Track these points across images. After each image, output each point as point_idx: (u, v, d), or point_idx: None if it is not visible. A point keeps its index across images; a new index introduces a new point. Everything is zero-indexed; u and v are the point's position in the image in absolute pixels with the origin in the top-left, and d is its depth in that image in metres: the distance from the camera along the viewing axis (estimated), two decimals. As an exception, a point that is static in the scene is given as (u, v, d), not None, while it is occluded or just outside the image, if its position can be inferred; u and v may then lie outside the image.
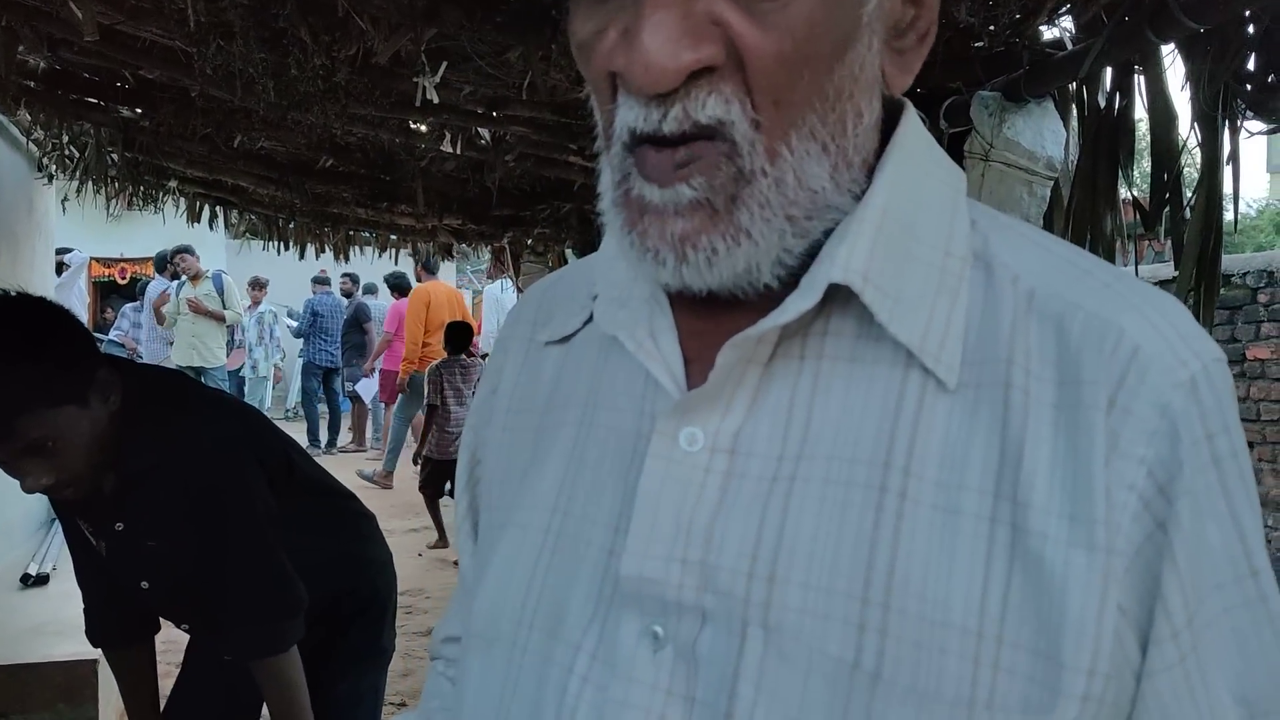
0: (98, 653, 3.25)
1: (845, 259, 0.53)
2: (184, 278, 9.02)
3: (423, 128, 3.90)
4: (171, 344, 9.01)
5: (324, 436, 10.09)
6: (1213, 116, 2.04)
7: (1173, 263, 2.36)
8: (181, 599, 1.68)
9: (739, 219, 0.51)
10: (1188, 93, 2.12)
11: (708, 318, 0.57)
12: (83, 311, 8.80)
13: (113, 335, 9.91)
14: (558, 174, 4.28)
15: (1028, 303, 0.54)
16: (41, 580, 3.99)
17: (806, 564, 0.52)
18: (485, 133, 3.70)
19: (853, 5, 0.52)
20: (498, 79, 2.88)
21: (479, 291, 19.58)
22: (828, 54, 0.51)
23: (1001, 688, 0.49)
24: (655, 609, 0.54)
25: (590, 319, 0.65)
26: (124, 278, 15.44)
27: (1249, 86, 1.96)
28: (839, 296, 0.54)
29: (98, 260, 13.51)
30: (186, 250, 8.70)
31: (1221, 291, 5.27)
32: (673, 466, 0.55)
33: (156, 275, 9.80)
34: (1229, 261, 5.75)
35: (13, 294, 1.49)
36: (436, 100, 2.87)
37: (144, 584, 1.63)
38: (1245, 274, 5.34)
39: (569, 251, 6.46)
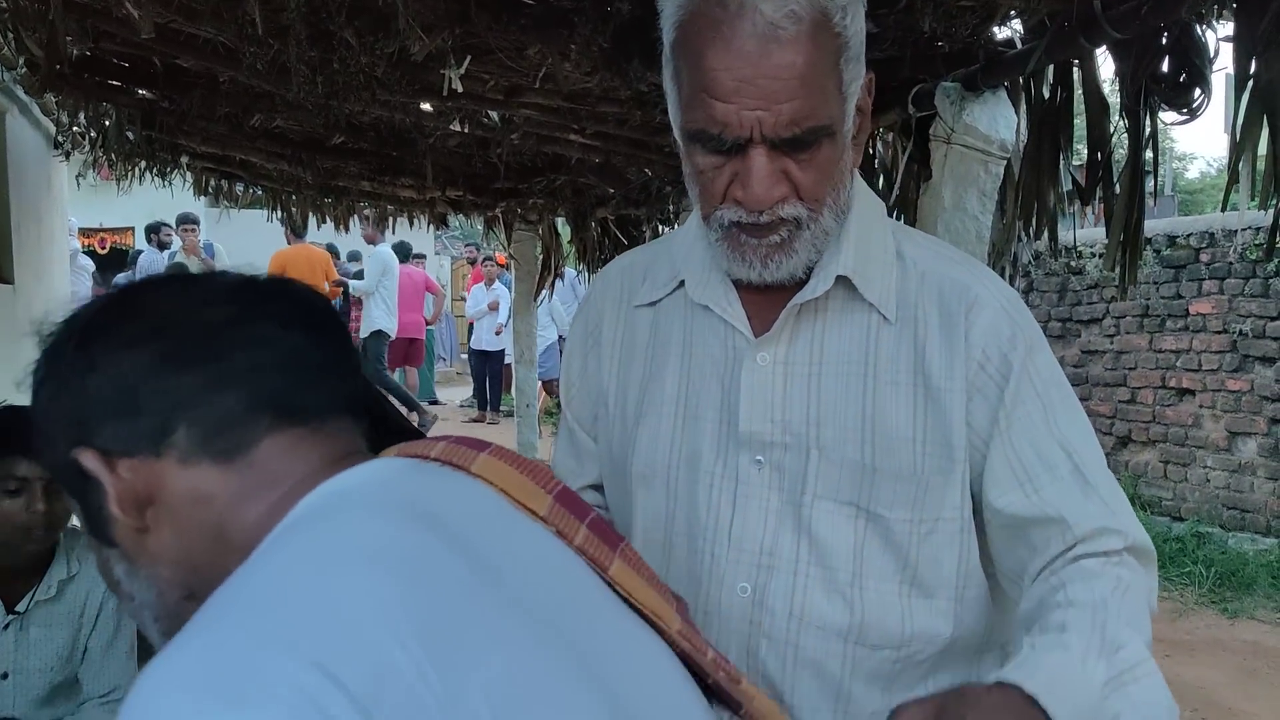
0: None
1: (843, 261, 1.01)
2: (174, 248, 9.23)
3: (427, 107, 4.21)
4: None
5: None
6: (1136, 109, 2.44)
7: (1104, 228, 2.76)
8: None
9: (794, 248, 0.98)
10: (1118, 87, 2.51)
11: (755, 294, 1.04)
12: (89, 282, 8.97)
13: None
14: (557, 150, 4.62)
15: (921, 277, 1.03)
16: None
17: (832, 417, 1.00)
18: (494, 113, 4.03)
19: (842, 139, 0.96)
20: (515, 70, 3.22)
21: (457, 257, 19.80)
22: (834, 169, 0.96)
23: (929, 464, 0.98)
24: (758, 447, 1.02)
25: (673, 291, 1.09)
26: (104, 247, 15.56)
27: (1163, 85, 2.35)
28: (841, 282, 1.01)
29: (79, 231, 13.62)
30: (192, 220, 8.89)
31: (1166, 251, 5.74)
32: (756, 373, 1.02)
33: (147, 245, 9.98)
34: (1175, 224, 6.20)
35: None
36: (461, 89, 3.20)
37: None
38: (1189, 235, 5.76)
39: (560, 221, 6.80)
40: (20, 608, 1.76)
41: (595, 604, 0.69)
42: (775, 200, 0.93)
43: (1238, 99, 2.12)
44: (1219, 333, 5.67)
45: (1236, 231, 5.60)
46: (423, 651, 0.51)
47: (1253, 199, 2.28)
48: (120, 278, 10.90)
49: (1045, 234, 2.88)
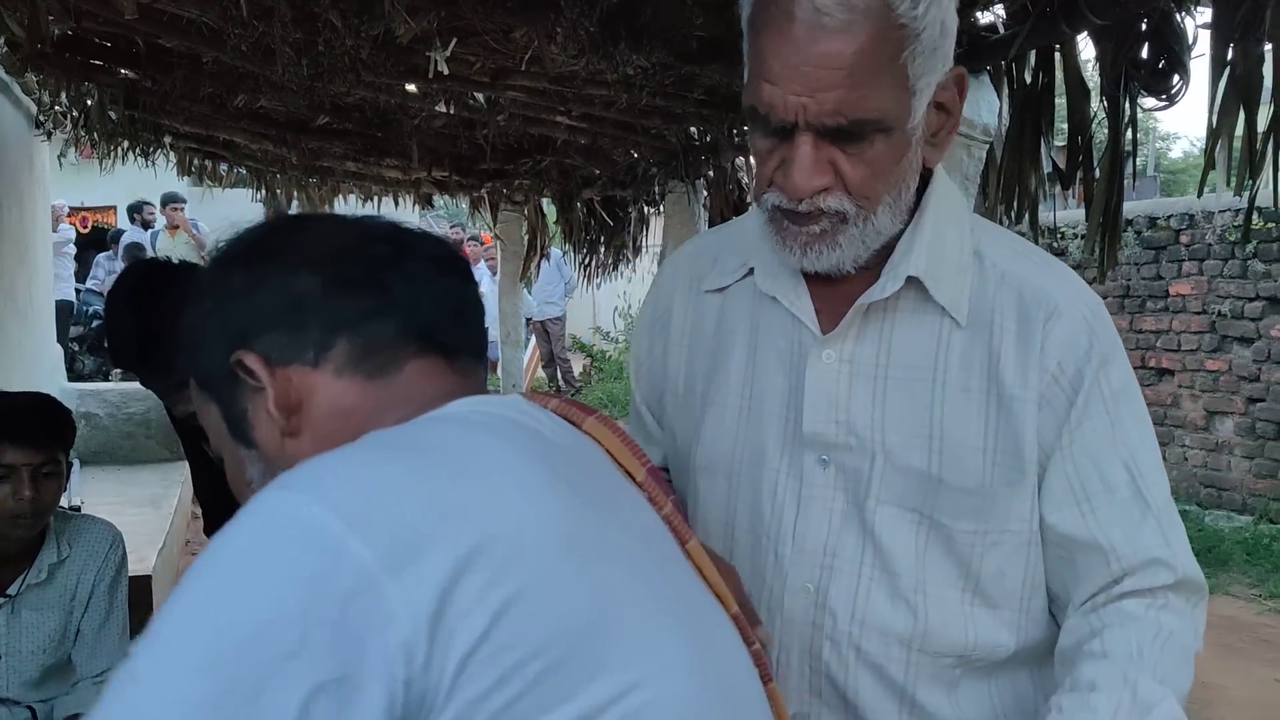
0: (152, 569, 3.64)
1: (915, 261, 0.97)
2: (158, 227, 9.18)
3: (413, 88, 4.20)
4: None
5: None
6: (1116, 95, 2.47)
7: (1084, 210, 2.80)
8: None
9: (838, 240, 0.94)
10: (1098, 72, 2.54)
11: (825, 287, 1.01)
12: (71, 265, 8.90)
13: (90, 285, 10.06)
14: (543, 131, 4.62)
15: (1000, 279, 0.99)
16: (76, 510, 4.34)
17: (897, 423, 0.97)
18: (480, 95, 4.03)
19: (906, 136, 0.92)
20: (501, 52, 3.22)
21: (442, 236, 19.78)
22: (892, 168, 0.93)
23: (998, 476, 0.95)
24: (822, 447, 0.99)
25: (741, 278, 1.07)
26: (85, 226, 15.42)
27: (1143, 71, 2.38)
28: (912, 283, 0.98)
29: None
30: (178, 199, 8.84)
31: (1147, 233, 5.79)
32: (822, 371, 1.00)
33: (129, 224, 9.92)
34: (1155, 205, 6.25)
35: None
36: (447, 72, 3.20)
37: None
38: (1169, 217, 5.82)
39: (545, 201, 6.80)
40: (11, 591, 1.78)
41: (683, 564, 0.76)
42: (815, 190, 0.91)
43: (1214, 85, 2.15)
44: (1198, 313, 5.74)
45: (1215, 214, 5.66)
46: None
47: (1229, 183, 2.32)
48: (101, 257, 10.85)
49: (1026, 216, 2.91)
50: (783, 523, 1.00)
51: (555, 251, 8.72)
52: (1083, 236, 6.28)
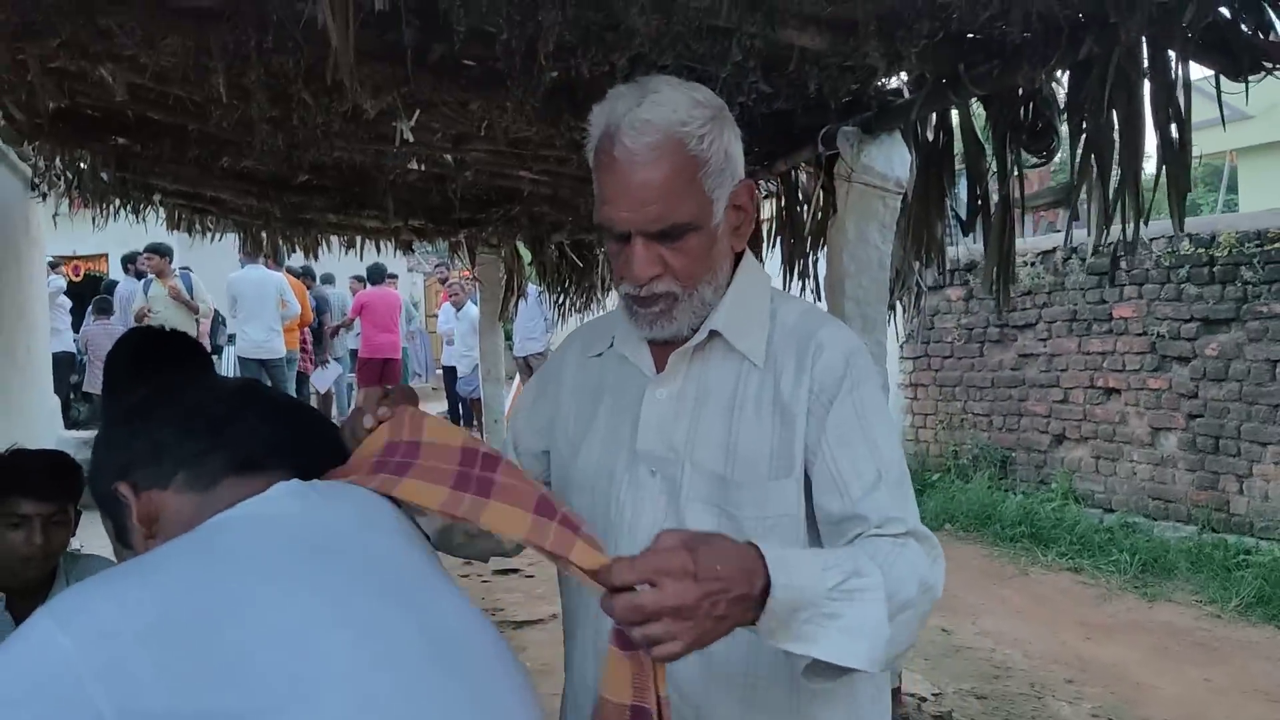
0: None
1: (717, 319, 1.29)
2: (150, 276, 9.45)
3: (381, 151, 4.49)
4: (143, 340, 9.42)
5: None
6: (1002, 152, 2.77)
7: (1063, 235, 3.09)
8: None
9: (674, 315, 1.26)
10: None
11: (662, 349, 1.33)
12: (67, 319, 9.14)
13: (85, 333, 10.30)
14: (509, 184, 4.91)
15: (788, 331, 1.31)
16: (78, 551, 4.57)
17: (704, 439, 1.29)
18: (448, 155, 4.33)
19: (712, 233, 1.25)
20: (460, 121, 3.52)
21: (429, 274, 20.04)
22: (705, 256, 1.26)
23: (775, 473, 1.25)
24: (651, 460, 1.31)
25: (610, 346, 1.41)
26: (78, 275, 15.70)
27: (1022, 133, 2.68)
28: (716, 335, 1.29)
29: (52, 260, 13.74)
30: (156, 250, 9.13)
31: (1090, 259, 6.08)
32: (653, 404, 1.32)
33: (123, 275, 10.18)
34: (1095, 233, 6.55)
35: None
36: (411, 139, 3.50)
37: None
38: (1112, 243, 6.11)
39: (520, 245, 7.10)
40: None
41: (407, 557, 1.04)
42: (650, 277, 1.23)
43: (1073, 149, 2.46)
44: (1140, 335, 6.04)
45: (1153, 240, 5.97)
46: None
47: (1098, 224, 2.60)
48: (94, 303, 11.10)
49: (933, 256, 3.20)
50: (624, 517, 1.31)
51: (533, 289, 9.01)
52: (1032, 264, 6.60)
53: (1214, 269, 5.59)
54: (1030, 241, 6.73)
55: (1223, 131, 2.36)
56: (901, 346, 7.98)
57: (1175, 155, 2.27)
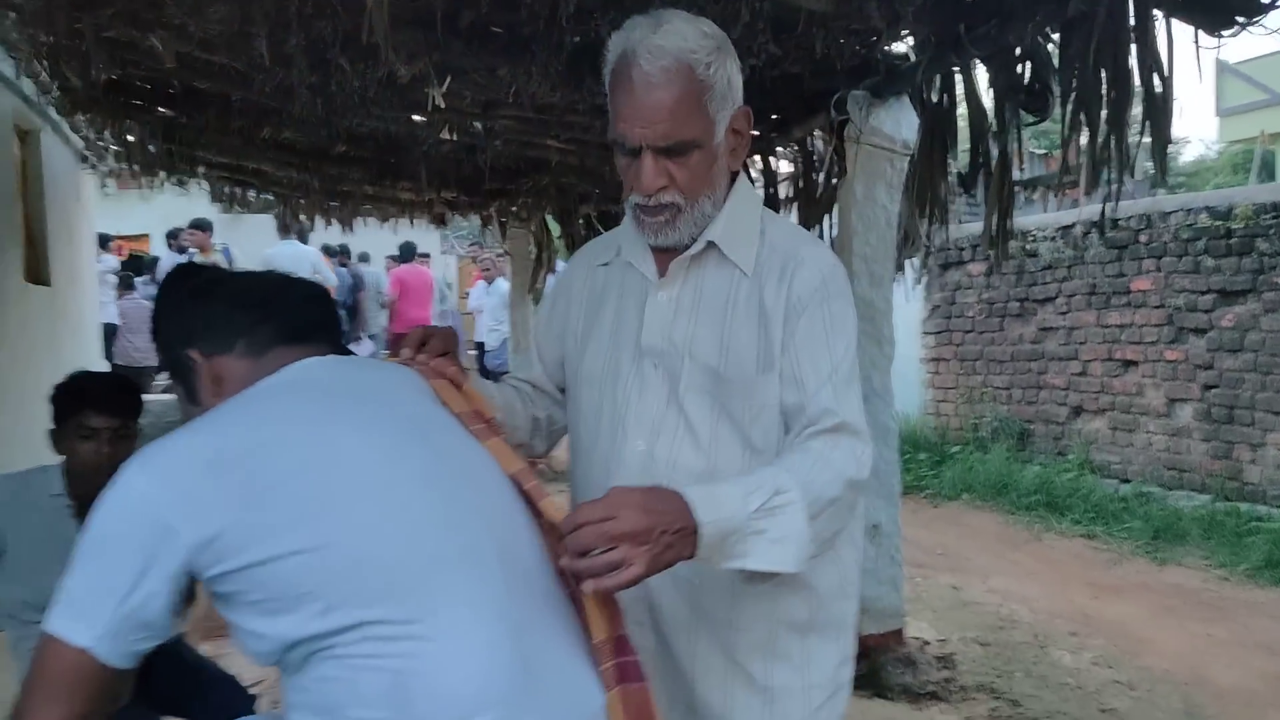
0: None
1: (714, 231, 1.43)
2: (192, 250, 9.73)
3: (418, 118, 4.69)
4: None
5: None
6: (1001, 112, 2.91)
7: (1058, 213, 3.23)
8: None
9: (677, 224, 1.40)
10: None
11: (667, 255, 1.46)
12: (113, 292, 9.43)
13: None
14: (538, 154, 5.09)
15: (773, 247, 1.46)
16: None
17: (704, 337, 1.42)
18: (477, 124, 4.51)
19: (713, 151, 1.37)
20: (489, 88, 3.70)
21: (463, 255, 20.32)
22: (706, 172, 1.39)
23: (759, 368, 1.40)
24: (654, 355, 1.45)
25: (617, 255, 1.55)
26: (122, 254, 16.09)
27: (1019, 93, 2.82)
28: (712, 246, 1.44)
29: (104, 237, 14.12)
30: (199, 225, 9.41)
31: (1109, 233, 6.17)
32: (655, 306, 1.46)
33: (166, 250, 10.47)
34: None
35: None
36: (443, 105, 3.68)
37: None
38: (1129, 218, 6.20)
39: (549, 218, 7.28)
40: None
41: (455, 438, 1.23)
42: (657, 188, 1.37)
43: (1063, 108, 2.59)
44: (1157, 307, 6.11)
45: (1170, 214, 6.04)
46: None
47: (1091, 187, 2.73)
48: (138, 281, 11.45)
49: (939, 218, 3.34)
50: (630, 405, 1.47)
51: (562, 264, 9.19)
52: (1051, 238, 6.69)
53: (1231, 241, 5.66)
54: (1050, 216, 6.82)
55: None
56: (923, 321, 8.09)
57: (1158, 109, 2.40)
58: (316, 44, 3.29)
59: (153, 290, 10.78)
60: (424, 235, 11.37)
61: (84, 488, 2.25)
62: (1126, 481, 6.34)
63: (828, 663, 1.49)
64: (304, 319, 1.26)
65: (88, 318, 6.22)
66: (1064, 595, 4.80)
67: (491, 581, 1.09)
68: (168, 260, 10.27)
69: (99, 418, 2.18)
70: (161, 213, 13.35)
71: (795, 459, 1.33)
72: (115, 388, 2.25)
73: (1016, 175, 3.02)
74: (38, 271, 4.97)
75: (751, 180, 4.02)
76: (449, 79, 3.57)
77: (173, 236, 10.40)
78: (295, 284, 1.31)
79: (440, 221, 7.71)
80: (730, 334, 1.43)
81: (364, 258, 12.65)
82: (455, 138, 4.80)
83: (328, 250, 11.71)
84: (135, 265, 13.10)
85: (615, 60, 1.39)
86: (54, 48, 3.93)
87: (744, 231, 1.47)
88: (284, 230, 10.04)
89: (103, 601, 1.01)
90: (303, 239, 9.71)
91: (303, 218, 7.98)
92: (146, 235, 16.49)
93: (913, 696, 3.36)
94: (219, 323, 1.22)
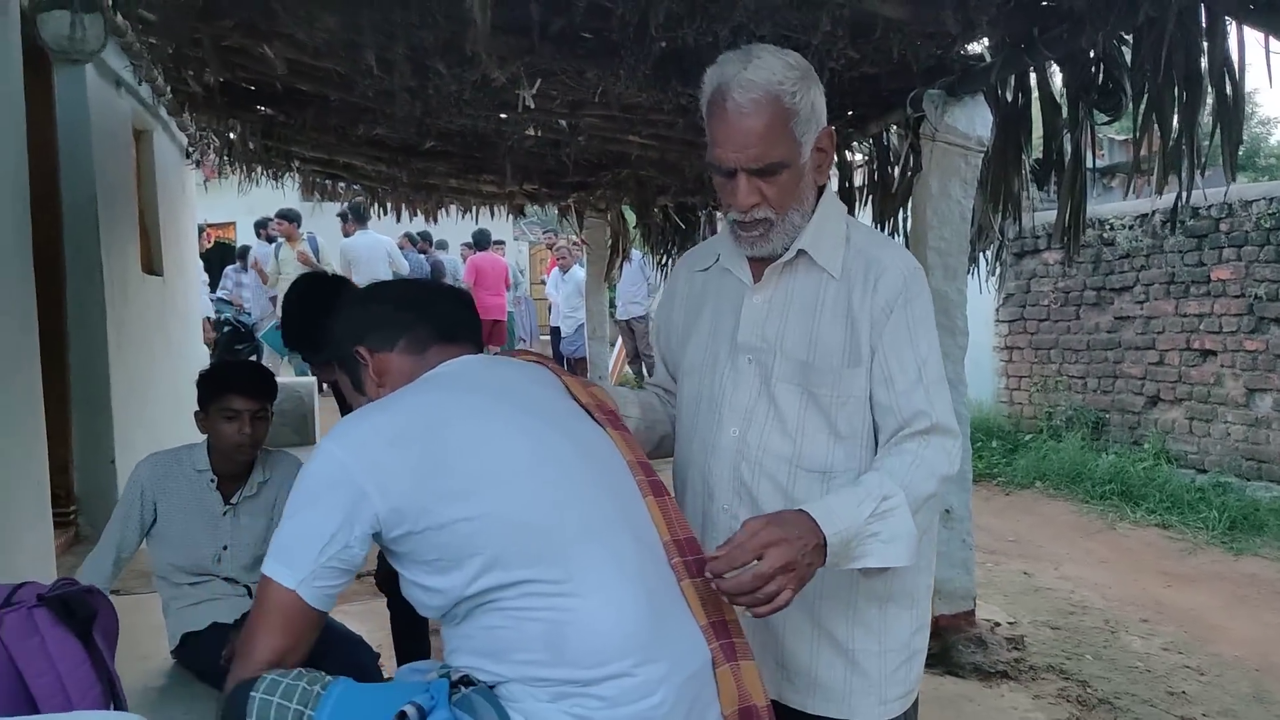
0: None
1: (804, 240, 1.59)
2: (280, 240, 10.14)
3: (505, 116, 4.89)
4: (274, 299, 10.10)
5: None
6: (1075, 112, 3.00)
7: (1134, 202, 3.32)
8: None
9: (769, 236, 1.57)
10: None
11: (759, 264, 1.63)
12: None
13: (219, 294, 11.10)
14: (620, 149, 5.26)
15: (857, 252, 1.61)
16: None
17: (790, 333, 1.60)
18: (562, 121, 4.70)
19: (800, 170, 1.54)
20: (577, 88, 3.88)
21: (535, 243, 20.64)
22: (794, 188, 1.55)
23: (846, 362, 1.56)
24: (748, 350, 1.62)
25: (716, 261, 1.73)
26: (209, 242, 16.71)
27: (1092, 93, 2.90)
28: (802, 253, 1.60)
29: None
30: (286, 216, 9.80)
31: (1189, 221, 6.18)
32: (750, 307, 1.63)
33: (255, 239, 10.91)
34: (1195, 196, 6.58)
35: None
36: (533, 106, 3.88)
37: None
38: (1210, 206, 6.16)
39: (626, 208, 7.47)
40: (234, 500, 2.51)
41: (587, 429, 1.42)
42: (751, 205, 1.53)
43: (1136, 109, 2.68)
44: (1237, 297, 6.07)
45: (1253, 202, 5.99)
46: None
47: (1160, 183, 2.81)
48: (229, 269, 11.94)
49: (1013, 210, 3.44)
50: (724, 395, 1.64)
51: (637, 254, 9.37)
52: (1129, 227, 6.68)
53: (1315, 230, 5.61)
54: (1129, 204, 6.79)
55: None
56: (997, 310, 8.10)
57: (1229, 110, 2.48)
58: (418, 51, 3.51)
59: (243, 277, 11.28)
60: (497, 222, 11.65)
61: (225, 463, 2.49)
62: (1203, 472, 6.32)
63: (903, 630, 1.64)
64: (454, 320, 1.46)
65: (192, 306, 6.60)
66: (1136, 583, 4.85)
67: (626, 550, 1.28)
68: (259, 249, 10.70)
69: (241, 400, 2.42)
70: (245, 201, 13.84)
71: (894, 462, 1.49)
72: (255, 374, 2.49)
73: (1093, 163, 3.10)
74: (151, 263, 5.31)
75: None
76: (539, 81, 3.77)
77: (262, 226, 10.83)
78: (445, 290, 1.51)
79: (520, 212, 7.95)
80: (818, 330, 1.59)
81: (441, 245, 12.99)
82: (539, 134, 5.01)
83: (409, 238, 12.09)
84: (220, 253, 13.66)
85: (711, 93, 1.55)
86: (175, 55, 4.22)
87: (831, 239, 1.62)
88: (360, 221, 10.48)
89: (307, 551, 1.23)
90: (360, 222, 10.21)
91: (372, 206, 8.37)
92: (232, 224, 17.13)
93: (983, 675, 3.48)
94: (384, 324, 1.43)
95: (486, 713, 1.20)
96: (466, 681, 1.24)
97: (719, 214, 6.95)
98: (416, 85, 3.75)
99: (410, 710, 1.17)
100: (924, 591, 1.72)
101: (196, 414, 2.48)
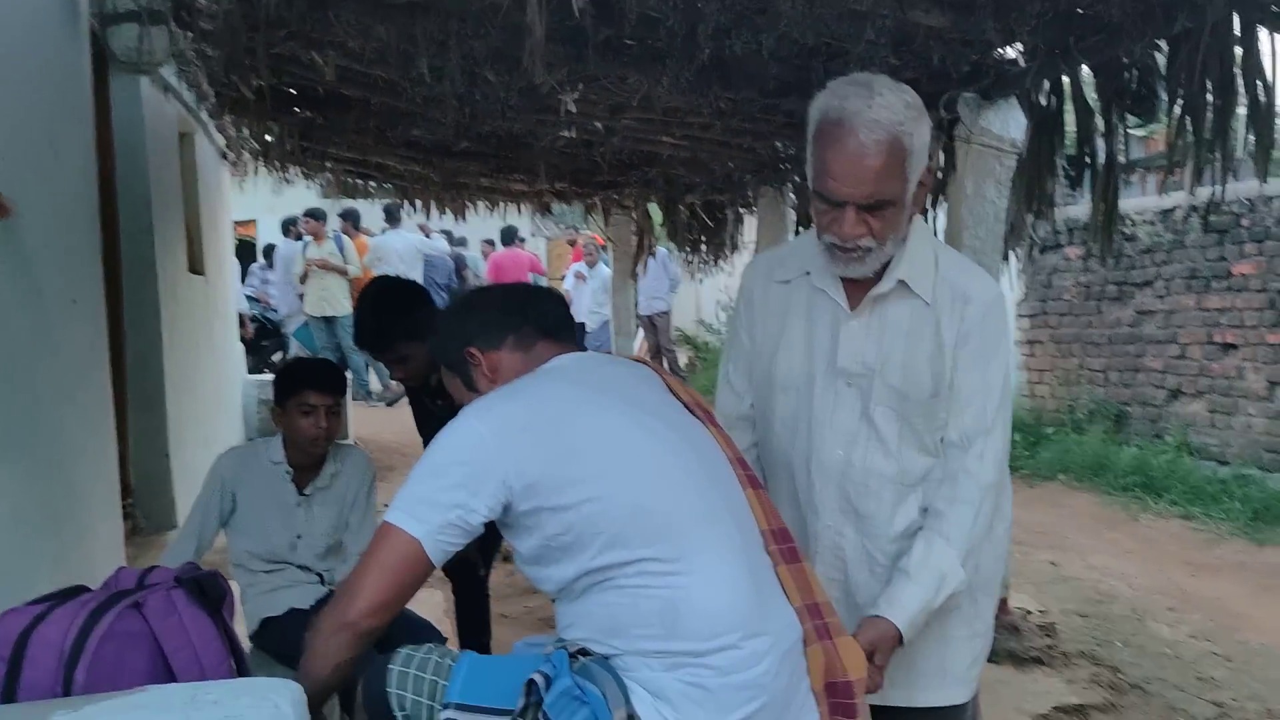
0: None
1: (902, 270, 1.71)
2: (308, 238, 10.28)
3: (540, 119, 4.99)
4: (301, 297, 10.26)
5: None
6: (1108, 116, 3.10)
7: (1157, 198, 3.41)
8: None
9: (866, 261, 1.66)
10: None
11: (851, 285, 1.74)
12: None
13: (245, 291, 11.25)
14: (651, 149, 5.38)
15: (945, 280, 1.72)
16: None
17: (887, 359, 1.73)
18: (599, 123, 4.81)
19: (905, 205, 1.64)
20: (618, 94, 4.00)
21: (551, 238, 20.76)
22: (898, 220, 1.65)
23: (935, 389, 1.71)
24: (847, 375, 1.75)
25: (803, 276, 1.80)
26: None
27: (1126, 99, 3.00)
28: (898, 282, 1.71)
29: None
30: (314, 215, 9.95)
31: (1212, 218, 6.24)
32: (849, 332, 1.75)
33: (283, 237, 11.07)
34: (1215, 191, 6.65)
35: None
36: (575, 110, 3.99)
37: None
38: (1232, 202, 6.23)
39: (652, 207, 7.58)
40: (307, 491, 2.64)
41: (691, 426, 1.54)
42: (857, 237, 1.61)
43: (1169, 113, 2.78)
44: (1259, 291, 6.14)
45: (1273, 198, 6.07)
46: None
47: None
48: (254, 266, 12.10)
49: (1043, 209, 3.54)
50: (826, 415, 1.75)
51: (661, 250, 9.49)
52: (1151, 222, 6.75)
53: (1337, 226, 5.68)
54: (1150, 200, 6.87)
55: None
56: (1019, 304, 8.18)
57: (1261, 116, 2.57)
58: (468, 59, 3.63)
59: (270, 275, 11.43)
60: (514, 218, 11.76)
61: (300, 456, 2.63)
62: (1225, 464, 6.41)
63: (988, 614, 1.84)
64: (556, 319, 1.59)
65: (230, 303, 6.75)
66: (1161, 573, 4.95)
67: (732, 534, 1.41)
68: (285, 248, 10.85)
69: (316, 396, 2.55)
70: (265, 199, 14.05)
71: (960, 529, 1.68)
72: (329, 371, 2.62)
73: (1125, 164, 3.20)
74: (195, 262, 5.45)
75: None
76: (581, 87, 3.88)
77: (290, 224, 10.97)
78: (543, 292, 1.64)
79: (546, 210, 8.06)
80: (911, 358, 1.70)
81: (460, 242, 13.13)
82: (574, 135, 5.12)
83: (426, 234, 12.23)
84: (242, 251, 13.80)
85: (827, 122, 1.60)
86: (226, 61, 4.35)
87: (923, 266, 1.72)
88: (392, 220, 10.66)
89: (436, 508, 1.36)
90: (353, 225, 10.49)
91: (399, 203, 8.54)
92: (253, 221, 17.29)
93: (1017, 661, 3.59)
94: (491, 325, 1.56)
95: (605, 680, 1.32)
96: (584, 653, 1.37)
97: (744, 210, 7.08)
98: (465, 91, 3.87)
99: (538, 678, 1.30)
100: (999, 583, 1.88)
101: (273, 410, 2.61)
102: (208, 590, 1.61)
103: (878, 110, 1.54)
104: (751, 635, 1.35)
